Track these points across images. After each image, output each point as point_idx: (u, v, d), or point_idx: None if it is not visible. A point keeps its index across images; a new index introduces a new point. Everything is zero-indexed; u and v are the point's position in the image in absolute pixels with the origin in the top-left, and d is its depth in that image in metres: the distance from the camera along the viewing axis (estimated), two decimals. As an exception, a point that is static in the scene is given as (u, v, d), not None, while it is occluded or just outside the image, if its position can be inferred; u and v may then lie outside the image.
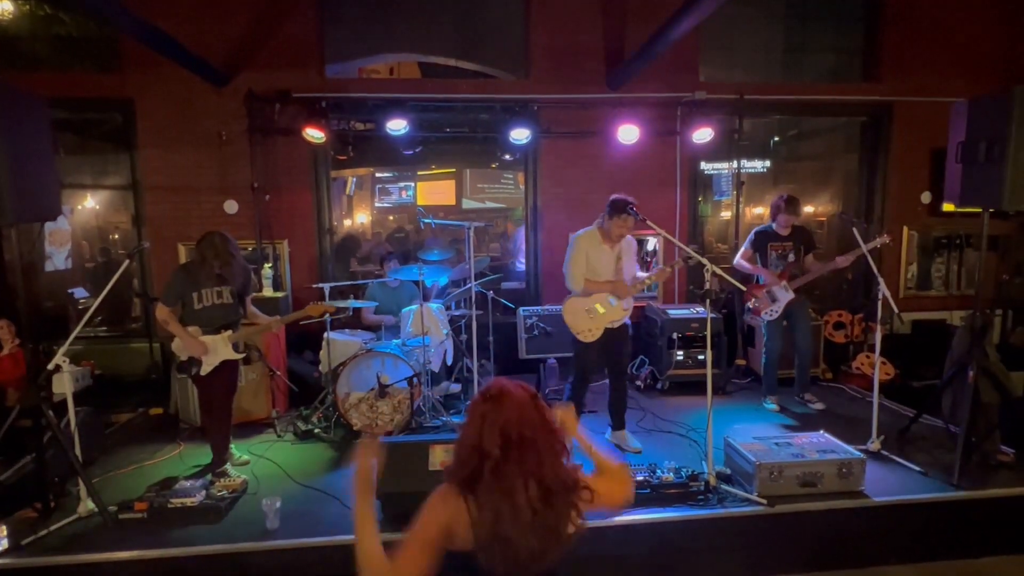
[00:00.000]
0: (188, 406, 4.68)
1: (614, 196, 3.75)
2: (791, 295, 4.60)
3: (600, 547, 3.13)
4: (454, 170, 10.21)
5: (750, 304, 4.75)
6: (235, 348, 3.73)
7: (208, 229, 3.84)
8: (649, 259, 6.08)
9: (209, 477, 3.64)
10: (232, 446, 3.99)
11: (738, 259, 4.86)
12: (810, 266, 4.68)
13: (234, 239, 3.74)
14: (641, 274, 3.90)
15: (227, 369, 3.74)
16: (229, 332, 3.70)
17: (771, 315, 4.67)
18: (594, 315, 3.79)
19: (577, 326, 3.86)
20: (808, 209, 7.44)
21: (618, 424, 4.14)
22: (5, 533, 2.97)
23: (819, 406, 4.79)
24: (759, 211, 8.23)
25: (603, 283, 3.79)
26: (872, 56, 6.21)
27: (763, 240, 4.76)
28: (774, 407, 4.80)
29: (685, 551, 3.19)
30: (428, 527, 1.43)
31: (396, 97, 5.48)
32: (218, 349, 3.67)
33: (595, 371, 4.03)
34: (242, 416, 4.63)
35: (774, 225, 4.73)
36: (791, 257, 4.68)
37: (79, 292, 5.72)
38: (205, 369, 3.65)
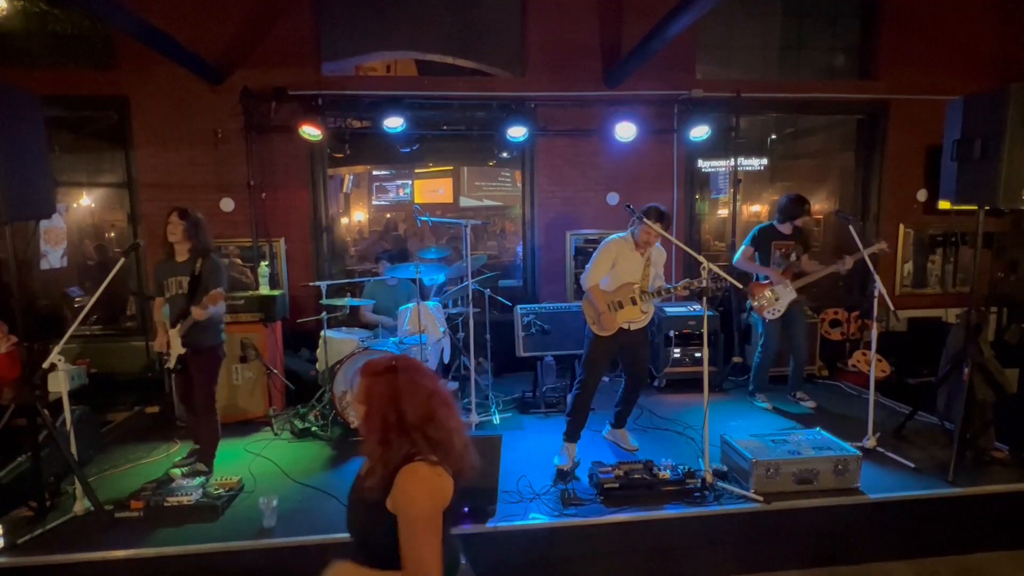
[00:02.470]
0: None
1: (648, 204, 3.75)
2: (794, 294, 4.60)
3: (597, 545, 3.14)
4: (451, 168, 10.21)
5: (752, 303, 4.74)
6: (183, 341, 3.56)
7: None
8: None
9: (199, 474, 3.63)
10: None
11: (738, 258, 4.80)
12: (807, 266, 4.68)
13: (195, 214, 3.64)
14: (667, 285, 3.89)
15: (192, 362, 3.61)
16: (179, 325, 3.57)
17: (773, 314, 4.65)
18: (614, 309, 3.80)
19: (593, 316, 3.84)
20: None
21: (619, 423, 4.13)
22: (1, 532, 2.97)
23: (811, 404, 4.80)
24: (756, 209, 8.25)
25: (600, 301, 3.75)
26: (869, 54, 6.23)
27: (767, 238, 4.72)
28: (766, 405, 4.81)
29: (682, 548, 3.20)
30: (437, 508, 1.49)
31: (393, 95, 5.47)
32: (176, 342, 3.58)
33: (602, 375, 3.94)
34: (239, 414, 4.63)
35: (776, 223, 4.70)
36: (793, 256, 4.68)
37: (74, 291, 5.70)
38: (171, 363, 3.60)
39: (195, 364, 3.63)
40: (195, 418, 3.75)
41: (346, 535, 3.17)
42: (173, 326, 3.58)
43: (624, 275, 3.79)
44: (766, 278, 4.68)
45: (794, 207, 4.58)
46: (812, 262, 4.71)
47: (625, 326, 3.80)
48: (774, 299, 4.63)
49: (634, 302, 3.77)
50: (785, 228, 4.66)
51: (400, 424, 1.49)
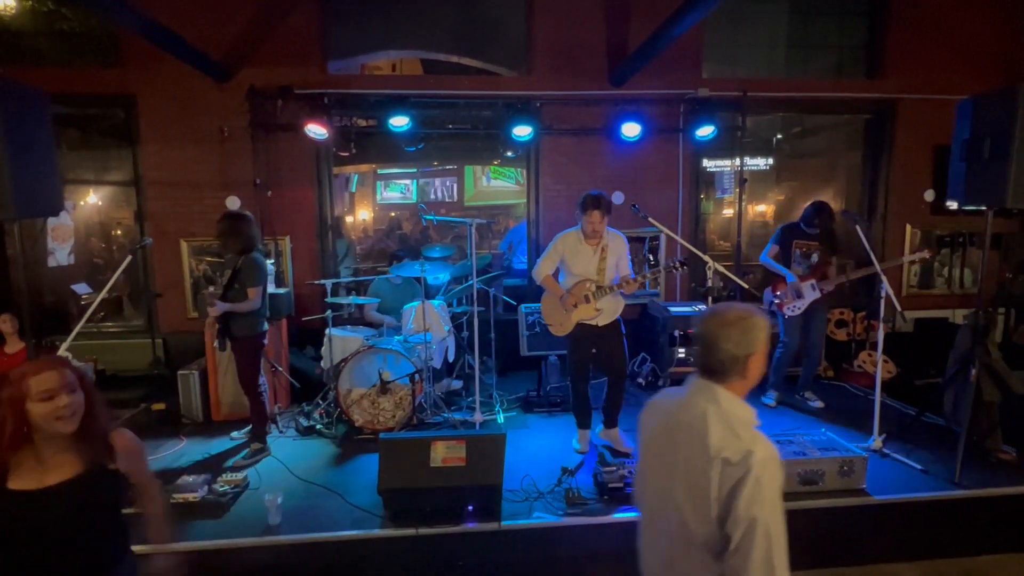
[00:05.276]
0: (190, 402, 4.69)
1: (585, 193, 3.74)
2: (818, 294, 4.59)
3: (600, 544, 3.14)
4: (456, 167, 10.21)
5: (775, 298, 4.74)
6: (217, 330, 3.97)
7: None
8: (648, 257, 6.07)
9: (256, 452, 4.04)
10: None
11: (765, 256, 4.84)
12: (830, 271, 4.65)
13: (242, 217, 3.99)
14: (633, 276, 3.84)
15: (232, 351, 4.02)
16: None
17: (794, 311, 4.66)
18: (567, 308, 3.81)
19: (548, 317, 3.96)
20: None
21: (609, 423, 4.07)
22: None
23: (818, 404, 4.79)
24: (762, 208, 8.22)
25: (556, 288, 3.86)
26: (876, 53, 6.19)
27: (789, 236, 4.74)
28: (772, 402, 4.81)
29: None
30: None
31: (398, 93, 5.47)
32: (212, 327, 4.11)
33: (586, 371, 3.96)
34: (244, 411, 4.64)
35: (802, 223, 4.69)
36: (814, 257, 4.67)
37: (81, 288, 5.73)
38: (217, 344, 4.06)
39: (234, 352, 4.01)
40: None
41: (348, 532, 3.16)
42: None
43: (577, 270, 3.79)
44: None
45: (812, 215, 4.58)
46: (835, 265, 4.67)
47: (585, 322, 3.80)
48: (795, 296, 4.63)
49: (587, 299, 3.76)
50: (811, 230, 4.64)
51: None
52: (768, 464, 1.41)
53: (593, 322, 3.80)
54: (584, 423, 4.05)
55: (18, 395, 1.61)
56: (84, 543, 1.71)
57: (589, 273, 3.77)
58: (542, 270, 3.89)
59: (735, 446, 1.42)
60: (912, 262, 4.07)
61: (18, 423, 1.61)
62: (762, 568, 1.41)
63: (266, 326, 4.16)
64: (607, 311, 3.82)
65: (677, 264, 3.71)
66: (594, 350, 3.89)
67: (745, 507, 1.39)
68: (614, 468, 3.39)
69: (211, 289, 4.05)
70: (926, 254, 4.35)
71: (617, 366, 3.94)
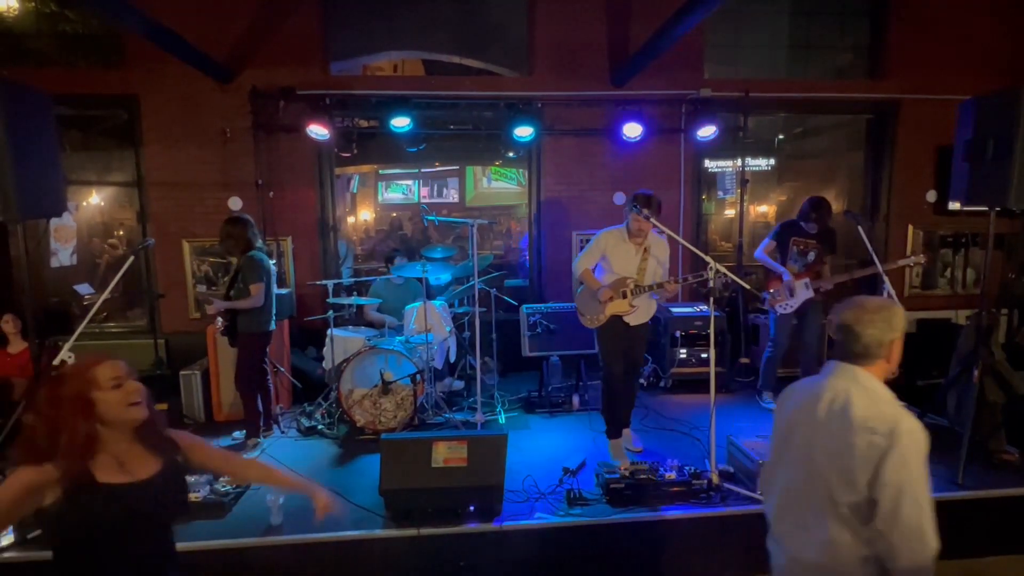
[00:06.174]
0: (192, 402, 4.70)
1: (636, 191, 3.74)
2: (811, 293, 4.57)
3: (602, 545, 3.14)
4: (458, 167, 10.21)
5: (767, 294, 4.73)
6: (222, 328, 4.13)
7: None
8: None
9: (253, 448, 4.15)
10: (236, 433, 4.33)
11: (760, 251, 4.81)
12: (825, 271, 4.64)
13: (238, 223, 4.08)
14: (668, 278, 3.84)
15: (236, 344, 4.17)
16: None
17: (785, 309, 4.63)
18: (603, 300, 3.80)
19: (583, 307, 3.91)
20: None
21: (624, 422, 4.11)
22: (11, 527, 2.99)
23: None
24: (763, 209, 8.21)
25: (593, 281, 3.82)
26: (878, 53, 6.18)
27: (787, 233, 4.72)
28: (773, 404, 4.78)
29: (688, 549, 3.19)
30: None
31: (400, 94, 5.48)
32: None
33: (620, 367, 3.86)
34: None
35: (800, 220, 4.67)
36: (811, 256, 4.65)
37: (84, 288, 5.74)
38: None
39: (237, 348, 4.13)
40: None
41: (349, 533, 3.16)
42: None
43: (617, 268, 3.79)
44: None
45: (808, 210, 4.56)
46: (830, 266, 4.66)
47: (619, 314, 3.79)
48: (788, 294, 4.61)
49: (624, 295, 3.76)
50: (809, 227, 4.63)
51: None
52: (914, 434, 1.52)
53: (626, 319, 3.81)
54: (615, 432, 3.93)
55: (83, 390, 1.52)
56: (162, 535, 1.72)
57: (629, 272, 3.78)
58: (581, 264, 3.88)
59: (880, 418, 1.55)
60: (907, 267, 4.04)
61: (90, 421, 1.52)
62: (910, 531, 1.49)
63: (273, 325, 4.19)
64: (641, 311, 3.83)
65: (712, 274, 3.57)
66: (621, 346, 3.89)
67: (892, 474, 1.49)
68: (616, 468, 3.39)
69: (200, 288, 4.16)
70: (921, 258, 4.32)
71: (635, 365, 3.97)
